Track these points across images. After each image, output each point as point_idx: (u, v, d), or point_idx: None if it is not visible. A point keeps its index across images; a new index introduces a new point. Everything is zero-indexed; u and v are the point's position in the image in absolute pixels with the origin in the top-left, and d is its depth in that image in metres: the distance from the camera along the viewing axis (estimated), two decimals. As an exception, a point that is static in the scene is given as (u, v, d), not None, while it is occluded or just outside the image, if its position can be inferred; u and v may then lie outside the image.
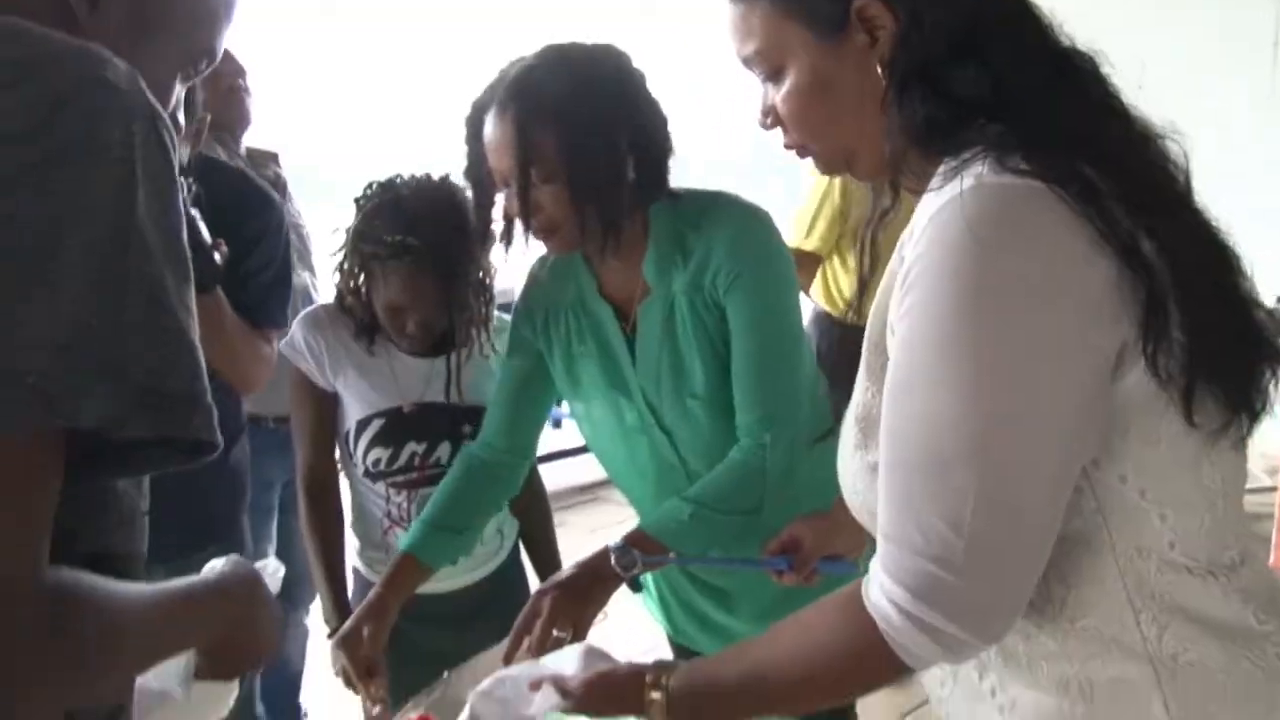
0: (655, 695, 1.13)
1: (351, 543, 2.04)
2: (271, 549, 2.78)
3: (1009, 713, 1.00)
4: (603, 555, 1.50)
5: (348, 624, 1.66)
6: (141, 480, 0.77)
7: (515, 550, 2.15)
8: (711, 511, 1.54)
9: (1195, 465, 0.94)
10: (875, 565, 0.94)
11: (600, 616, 1.52)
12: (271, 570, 1.01)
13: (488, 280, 1.92)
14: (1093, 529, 0.94)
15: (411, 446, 1.93)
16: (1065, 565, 0.95)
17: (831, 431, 1.68)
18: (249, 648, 0.89)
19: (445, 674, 1.57)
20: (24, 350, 0.59)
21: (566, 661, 1.28)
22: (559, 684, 1.21)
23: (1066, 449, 0.90)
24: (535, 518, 2.16)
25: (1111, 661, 0.94)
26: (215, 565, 0.89)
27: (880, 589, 0.93)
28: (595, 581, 1.50)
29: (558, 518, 2.22)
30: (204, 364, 0.70)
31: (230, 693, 1.02)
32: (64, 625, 0.62)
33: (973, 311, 0.88)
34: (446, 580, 1.89)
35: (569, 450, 5.17)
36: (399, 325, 1.87)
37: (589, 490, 5.22)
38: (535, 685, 1.23)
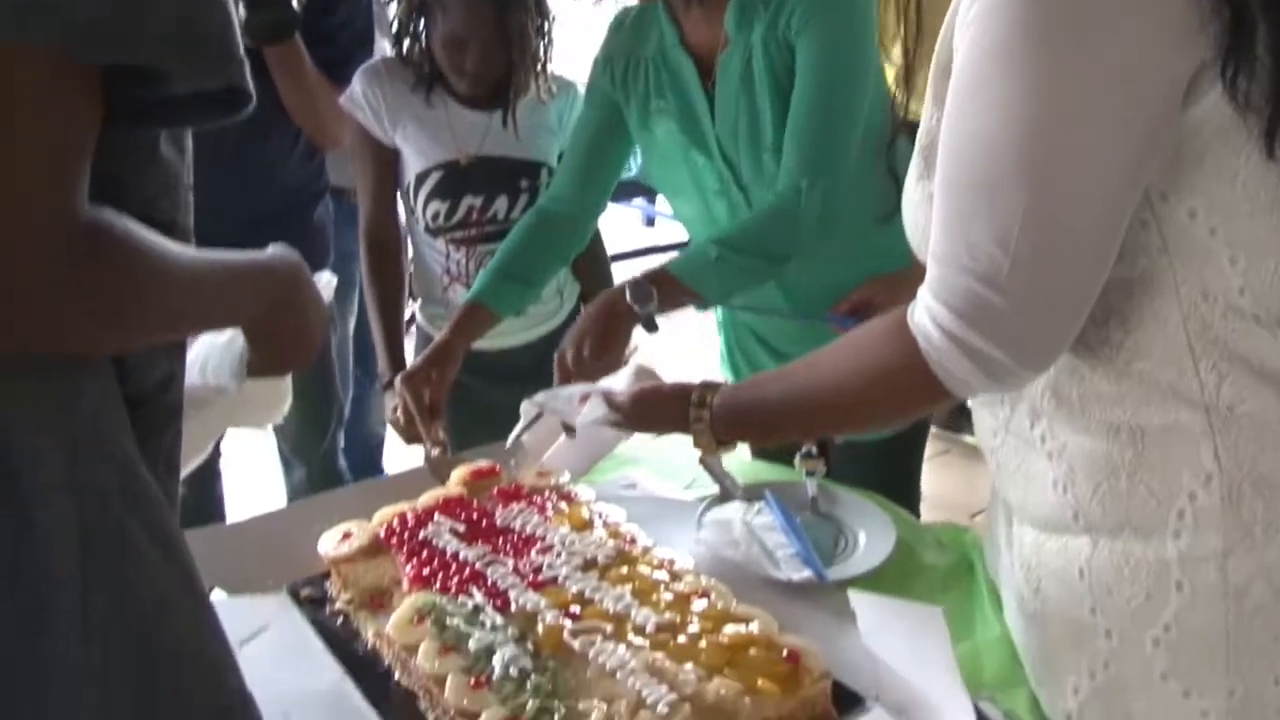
0: (699, 412, 1.14)
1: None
2: (352, 321, 2.85)
3: (1057, 458, 0.99)
4: (618, 292, 1.49)
5: (414, 364, 1.70)
6: (184, 149, 0.77)
7: (575, 313, 2.16)
8: (737, 254, 1.50)
9: (1274, 206, 0.87)
10: (922, 288, 0.92)
11: (630, 349, 1.52)
12: (325, 281, 1.02)
13: (547, 24, 1.88)
14: (1158, 269, 0.89)
15: (469, 200, 1.93)
16: (1126, 307, 0.91)
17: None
18: (296, 336, 0.90)
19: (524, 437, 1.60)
20: None
21: (618, 379, 1.31)
22: (607, 397, 1.23)
23: (1124, 173, 0.84)
24: (595, 277, 2.16)
25: (1165, 408, 0.91)
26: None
27: (925, 309, 0.91)
28: (610, 321, 1.49)
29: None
30: (236, 22, 0.69)
31: (283, 395, 1.05)
32: (101, 253, 0.63)
33: (1033, 23, 0.82)
34: (506, 337, 1.93)
35: (661, 247, 5.19)
36: (457, 62, 1.84)
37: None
38: (584, 399, 1.25)
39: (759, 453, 1.88)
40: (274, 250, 0.87)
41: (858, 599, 1.17)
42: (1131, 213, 0.87)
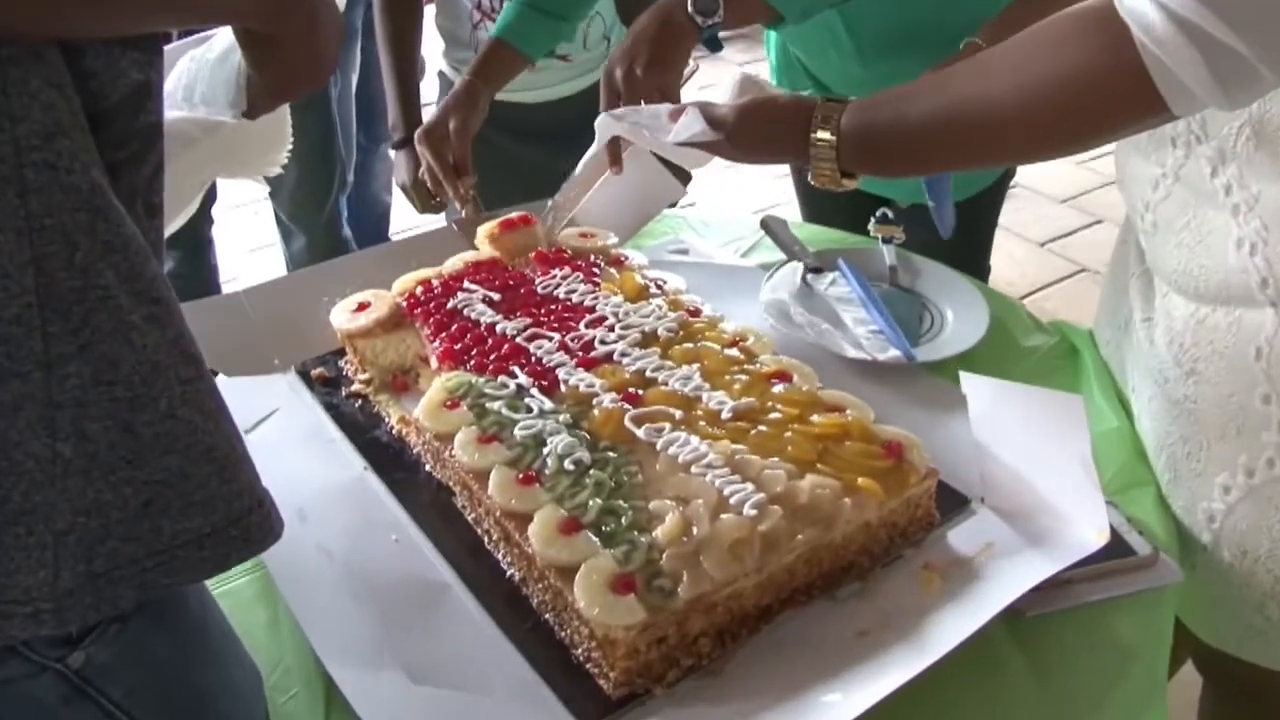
0: (822, 135, 0.90)
1: (437, 45, 1.82)
2: (355, 76, 2.61)
3: (1245, 213, 0.80)
4: (677, 0, 1.24)
5: (433, 116, 1.48)
6: None
7: None
8: None
9: None
10: None
11: (689, 69, 1.28)
12: None
13: None
14: None
15: None
16: None
17: None
18: (305, 42, 0.68)
19: (549, 202, 1.39)
20: None
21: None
22: (705, 110, 1.01)
23: None
24: None
25: None
26: None
27: None
28: (667, 34, 1.23)
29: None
30: None
31: (284, 134, 0.85)
32: None
33: None
34: (547, 88, 1.70)
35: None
36: None
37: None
38: (676, 115, 1.03)
39: (813, 216, 1.68)
40: None
41: (970, 381, 1.00)
42: None
